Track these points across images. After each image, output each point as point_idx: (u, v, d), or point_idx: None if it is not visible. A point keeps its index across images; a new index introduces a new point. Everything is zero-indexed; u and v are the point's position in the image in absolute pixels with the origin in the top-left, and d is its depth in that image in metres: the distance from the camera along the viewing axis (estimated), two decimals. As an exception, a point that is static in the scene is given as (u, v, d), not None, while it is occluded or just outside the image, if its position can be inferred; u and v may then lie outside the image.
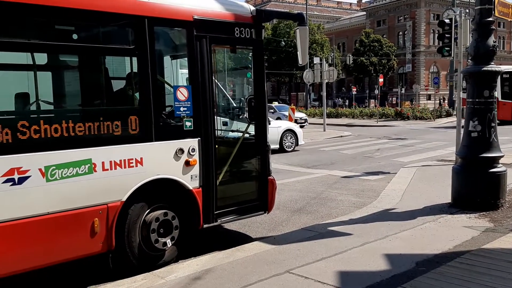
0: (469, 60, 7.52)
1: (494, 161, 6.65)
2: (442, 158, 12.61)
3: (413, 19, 64.65)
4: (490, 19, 6.71)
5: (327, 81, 20.89)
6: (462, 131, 7.55)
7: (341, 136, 22.03)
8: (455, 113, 16.08)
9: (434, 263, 4.59)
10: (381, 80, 34.04)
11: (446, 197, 7.20)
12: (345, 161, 13.36)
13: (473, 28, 7.04)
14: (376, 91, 39.71)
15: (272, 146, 6.22)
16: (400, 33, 66.74)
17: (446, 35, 11.21)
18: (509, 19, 10.66)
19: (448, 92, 41.87)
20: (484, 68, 6.59)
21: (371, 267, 4.59)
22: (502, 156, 6.77)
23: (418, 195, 7.96)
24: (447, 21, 11.22)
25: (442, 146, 15.69)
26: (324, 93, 21.76)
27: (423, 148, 16.00)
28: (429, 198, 7.53)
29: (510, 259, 4.60)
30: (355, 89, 49.83)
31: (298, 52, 5.85)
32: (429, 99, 58.45)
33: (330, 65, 32.91)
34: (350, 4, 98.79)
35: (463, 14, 11.17)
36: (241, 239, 6.14)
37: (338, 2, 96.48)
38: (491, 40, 6.71)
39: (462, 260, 4.65)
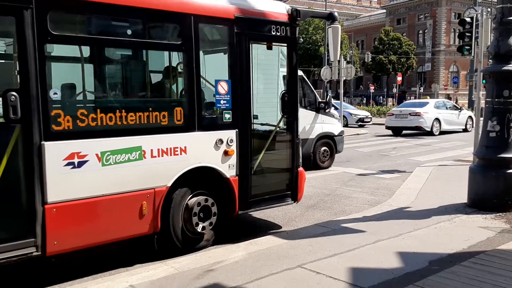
0: (489, 60, 7.41)
1: (512, 162, 6.56)
2: (459, 158, 12.46)
3: (433, 17, 63.75)
4: (512, 18, 6.60)
5: (344, 78, 20.82)
6: (480, 131, 7.46)
7: (358, 134, 21.90)
8: (474, 113, 15.85)
9: (448, 263, 4.56)
10: (399, 78, 33.75)
11: (462, 197, 7.12)
12: (360, 159, 13.32)
13: (494, 27, 6.94)
14: (394, 90, 39.34)
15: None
16: (420, 31, 65.90)
17: (467, 34, 11.05)
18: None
19: (467, 92, 41.24)
20: (505, 68, 6.49)
21: (384, 265, 4.58)
22: (521, 157, 6.65)
23: (433, 195, 7.89)
24: (468, 19, 11.06)
25: (459, 146, 15.50)
26: (341, 91, 21.65)
27: (440, 147, 15.83)
28: (445, 198, 7.46)
29: (525, 260, 4.55)
30: (373, 87, 49.43)
31: (329, 49, 6.19)
32: (448, 98, 57.69)
33: (348, 62, 32.69)
34: (370, 1, 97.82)
35: (484, 13, 10.99)
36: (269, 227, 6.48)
37: (358, 0, 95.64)
38: (513, 40, 6.60)
39: (477, 260, 4.60)
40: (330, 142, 11.56)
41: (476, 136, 10.34)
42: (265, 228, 6.41)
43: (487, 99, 6.75)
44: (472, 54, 11.26)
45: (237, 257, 4.86)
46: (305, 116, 10.54)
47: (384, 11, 74.08)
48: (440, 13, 63.11)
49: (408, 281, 4.12)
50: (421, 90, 52.52)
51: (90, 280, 4.56)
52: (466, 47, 11.15)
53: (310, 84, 11.38)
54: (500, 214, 6.34)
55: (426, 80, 63.01)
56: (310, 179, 10.01)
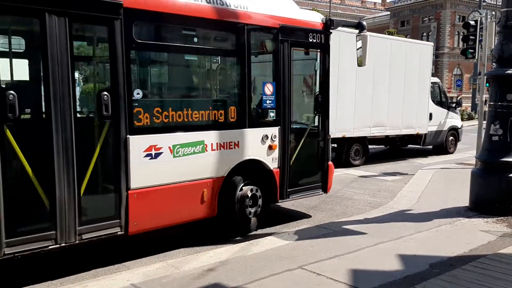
0: (493, 63, 7.40)
1: (515, 166, 6.55)
2: (462, 161, 12.45)
3: (438, 20, 63.61)
4: (517, 21, 6.59)
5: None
6: (483, 134, 7.45)
7: (360, 136, 21.88)
8: (477, 116, 15.79)
9: (448, 266, 4.56)
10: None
11: (464, 200, 7.11)
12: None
13: (498, 31, 6.93)
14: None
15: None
16: (424, 34, 65.73)
17: (471, 37, 11.05)
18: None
19: (471, 95, 41.14)
20: (508, 72, 6.48)
21: (384, 267, 4.58)
22: (523, 161, 6.65)
23: (435, 197, 7.89)
24: (472, 23, 11.06)
25: (462, 149, 15.47)
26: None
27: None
28: (447, 201, 7.45)
29: (526, 265, 4.55)
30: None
31: (358, 56, 6.68)
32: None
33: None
34: (375, 3, 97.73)
35: (489, 16, 10.98)
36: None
37: (362, 1, 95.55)
38: (517, 43, 6.59)
39: (477, 264, 4.60)
40: (455, 133, 15.09)
41: (479, 139, 10.33)
42: (267, 229, 6.41)
43: (490, 103, 6.74)
44: (476, 57, 11.24)
45: (238, 257, 4.87)
46: (441, 113, 14.27)
47: (388, 13, 73.95)
48: (445, 15, 62.97)
49: (408, 284, 4.13)
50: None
51: (91, 277, 4.58)
52: (470, 50, 11.14)
53: (443, 87, 14.96)
54: (502, 218, 6.34)
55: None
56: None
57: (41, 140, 4.26)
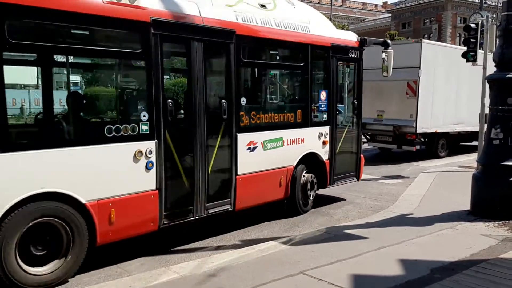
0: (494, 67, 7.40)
1: (516, 169, 6.55)
2: (463, 165, 12.45)
3: (439, 22, 63.65)
4: (517, 25, 6.60)
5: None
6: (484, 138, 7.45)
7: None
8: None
9: (450, 271, 4.57)
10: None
11: (465, 204, 7.11)
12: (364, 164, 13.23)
13: (499, 34, 6.93)
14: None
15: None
16: (426, 35, 65.70)
17: (472, 40, 11.04)
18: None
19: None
20: (509, 75, 6.49)
21: (386, 272, 4.59)
22: (524, 165, 6.64)
23: (436, 201, 7.89)
24: (473, 25, 11.06)
25: (463, 152, 15.45)
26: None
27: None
28: (448, 205, 7.45)
29: (527, 269, 4.55)
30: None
31: (384, 68, 8.28)
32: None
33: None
34: (376, 5, 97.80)
35: (490, 19, 10.99)
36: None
37: (363, 3, 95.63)
38: (517, 47, 6.60)
39: (478, 268, 4.61)
40: None
41: (480, 142, 10.33)
42: (267, 234, 6.43)
43: (491, 106, 6.75)
44: (477, 60, 11.24)
45: (240, 262, 4.89)
46: None
47: (390, 15, 74.02)
48: (446, 17, 63.01)
49: (409, 289, 4.14)
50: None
51: (94, 283, 4.59)
52: (471, 53, 11.13)
53: None
54: (503, 222, 6.34)
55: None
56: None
57: (186, 135, 5.56)
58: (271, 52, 7.39)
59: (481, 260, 4.86)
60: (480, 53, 11.10)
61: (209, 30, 5.72)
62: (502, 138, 6.54)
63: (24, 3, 4.10)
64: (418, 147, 13.38)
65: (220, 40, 5.91)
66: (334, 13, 63.14)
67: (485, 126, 8.32)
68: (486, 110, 9.40)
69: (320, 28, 7.55)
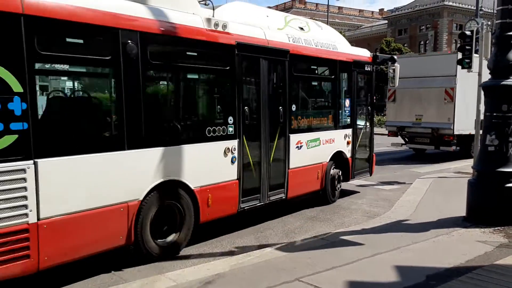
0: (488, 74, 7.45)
1: (511, 176, 6.57)
2: (459, 170, 12.49)
3: (435, 28, 63.98)
4: (511, 33, 6.64)
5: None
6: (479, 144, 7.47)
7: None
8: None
9: (445, 277, 4.58)
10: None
11: (461, 210, 7.13)
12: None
13: (493, 42, 6.99)
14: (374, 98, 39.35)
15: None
16: (422, 42, 66.06)
17: (467, 47, 11.10)
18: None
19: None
20: (503, 83, 6.54)
21: (381, 279, 4.60)
22: (519, 171, 6.67)
23: (432, 207, 7.91)
24: (468, 33, 11.12)
25: (459, 158, 15.49)
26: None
27: (440, 159, 15.83)
28: (444, 211, 7.48)
29: (522, 276, 4.56)
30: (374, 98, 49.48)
31: (391, 80, 9.91)
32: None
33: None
34: (372, 12, 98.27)
35: (485, 26, 11.06)
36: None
37: (360, 10, 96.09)
38: (511, 55, 6.65)
39: (474, 275, 4.62)
40: None
41: (476, 148, 10.37)
42: (264, 241, 6.43)
43: (486, 113, 6.79)
44: (472, 67, 11.30)
45: (236, 269, 4.88)
46: None
47: (386, 22, 74.33)
48: (442, 24, 63.35)
49: (405, 296, 4.14)
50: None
51: (89, 291, 4.58)
52: (466, 60, 11.19)
53: None
54: (499, 228, 6.36)
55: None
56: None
57: (255, 136, 6.83)
58: (311, 67, 8.70)
59: (476, 267, 4.87)
60: (476, 57, 11.18)
61: (272, 50, 7.13)
62: (497, 144, 6.57)
63: (164, 33, 5.44)
64: (454, 147, 14.79)
65: (278, 58, 7.28)
66: (331, 20, 63.40)
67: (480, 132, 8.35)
68: (482, 117, 9.43)
69: (343, 46, 9.17)
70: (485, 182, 6.72)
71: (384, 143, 18.47)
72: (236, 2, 7.44)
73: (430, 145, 15.16)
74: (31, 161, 4.21)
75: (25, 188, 4.17)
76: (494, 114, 6.62)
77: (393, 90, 15.79)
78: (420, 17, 66.62)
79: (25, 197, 4.19)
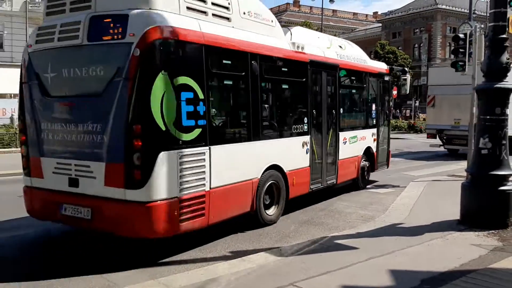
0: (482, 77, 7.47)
1: (504, 179, 6.58)
2: (453, 173, 12.50)
3: (429, 32, 64.28)
4: (504, 36, 6.67)
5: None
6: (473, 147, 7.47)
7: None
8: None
9: (439, 281, 4.56)
10: (394, 92, 33.78)
11: (455, 213, 7.12)
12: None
13: (486, 45, 7.01)
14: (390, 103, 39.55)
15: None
16: (416, 45, 66.35)
17: (460, 50, 11.13)
18: (524, 36, 10.55)
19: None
20: (497, 85, 6.55)
21: (375, 283, 4.58)
22: (512, 174, 6.69)
23: (426, 211, 7.91)
24: (461, 35, 11.16)
25: (453, 161, 15.54)
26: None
27: (434, 162, 15.89)
28: (438, 214, 7.47)
29: (517, 279, 4.55)
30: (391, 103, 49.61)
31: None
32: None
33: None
34: (366, 15, 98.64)
35: (478, 30, 11.10)
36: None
37: (354, 13, 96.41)
38: (505, 57, 6.67)
39: (468, 279, 4.60)
40: None
41: (469, 152, 10.39)
42: (258, 245, 6.39)
43: (480, 116, 6.80)
44: (466, 70, 11.33)
45: (230, 274, 4.85)
46: None
47: (380, 25, 74.64)
48: (435, 27, 63.67)
49: (399, 300, 4.11)
50: (417, 104, 52.78)
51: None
52: (460, 63, 11.22)
53: None
54: (493, 231, 6.35)
55: (422, 93, 63.31)
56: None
57: (318, 133, 8.78)
58: (351, 77, 10.39)
59: (471, 270, 4.86)
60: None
61: (329, 65, 9.10)
62: (490, 147, 6.57)
63: (271, 54, 7.42)
64: None
65: (332, 71, 9.21)
66: (325, 23, 63.53)
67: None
68: (475, 120, 9.45)
69: (368, 60, 11.35)
70: (479, 185, 6.72)
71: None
72: (298, 27, 9.70)
73: (467, 146, 15.58)
74: (207, 147, 5.90)
75: (204, 166, 5.85)
76: (488, 117, 6.62)
77: (432, 96, 18.03)
78: (414, 20, 66.92)
79: (204, 172, 5.85)
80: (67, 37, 5.79)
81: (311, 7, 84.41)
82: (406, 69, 12.74)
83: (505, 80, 6.62)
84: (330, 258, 5.37)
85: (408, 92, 11.85)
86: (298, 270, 4.94)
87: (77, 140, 5.66)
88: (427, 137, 18.90)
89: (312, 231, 7.10)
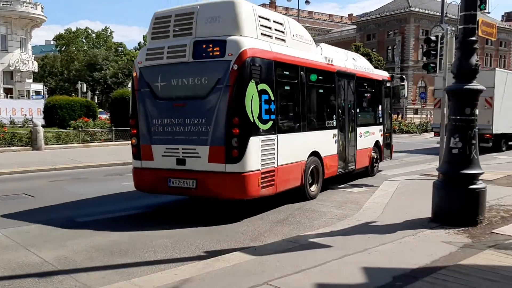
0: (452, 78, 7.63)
1: (474, 177, 6.74)
2: (426, 173, 12.75)
3: (402, 34, 65.45)
4: (474, 38, 6.82)
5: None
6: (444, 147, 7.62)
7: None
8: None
9: (411, 278, 4.63)
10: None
11: (427, 211, 7.25)
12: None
13: (456, 47, 7.16)
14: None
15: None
16: (390, 47, 67.46)
17: (432, 52, 11.38)
18: (493, 39, 10.87)
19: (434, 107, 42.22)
20: (466, 87, 6.69)
21: (349, 280, 4.62)
22: (482, 173, 6.86)
23: (399, 209, 8.03)
24: (433, 38, 11.40)
25: (426, 161, 15.86)
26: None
27: (407, 162, 16.17)
28: (410, 212, 7.59)
29: (485, 276, 4.66)
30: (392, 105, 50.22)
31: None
32: (416, 113, 59.06)
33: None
34: (342, 17, 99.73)
35: (449, 32, 11.35)
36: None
37: (329, 15, 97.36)
38: (474, 59, 6.82)
39: (438, 275, 4.69)
40: None
41: (441, 151, 10.60)
42: (233, 244, 6.38)
43: (450, 117, 6.93)
44: (437, 72, 11.58)
45: (204, 274, 4.81)
46: None
47: (355, 27, 75.61)
48: (409, 30, 64.86)
49: (372, 297, 4.16)
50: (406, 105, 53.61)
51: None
52: (431, 65, 11.47)
53: None
54: (463, 229, 6.50)
55: (395, 95, 64.27)
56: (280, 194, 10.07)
57: (342, 127, 10.91)
58: (364, 84, 12.41)
59: (441, 267, 4.95)
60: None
61: (349, 74, 11.36)
62: (461, 147, 6.72)
63: (313, 67, 9.66)
64: (490, 144, 19.35)
65: (351, 79, 11.43)
66: (301, 24, 63.88)
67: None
68: (446, 120, 9.65)
69: (374, 70, 13.81)
70: (450, 184, 6.86)
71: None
72: (323, 44, 11.30)
73: None
74: (276, 135, 8.10)
75: (274, 148, 8.05)
76: (458, 117, 6.76)
77: (438, 99, 19.09)
78: (388, 23, 68.00)
79: (274, 153, 8.05)
80: (175, 56, 7.87)
81: (287, 8, 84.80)
82: (403, 76, 15.90)
83: (474, 82, 6.78)
84: (304, 256, 5.40)
85: (406, 96, 14.30)
86: (273, 269, 4.94)
87: (185, 131, 7.73)
88: (434, 135, 21.90)
89: (287, 230, 7.13)
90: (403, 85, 14.54)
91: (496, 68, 17.63)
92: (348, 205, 8.94)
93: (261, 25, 8.16)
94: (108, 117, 27.36)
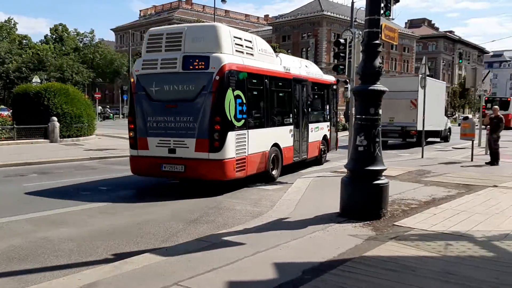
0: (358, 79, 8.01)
1: (378, 173, 7.13)
2: (336, 170, 13.27)
3: (315, 37, 67.89)
4: (377, 41, 7.21)
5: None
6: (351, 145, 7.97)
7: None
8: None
9: (319, 271, 4.77)
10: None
11: (336, 206, 7.53)
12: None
13: (362, 49, 7.51)
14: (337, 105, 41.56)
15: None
16: (304, 49, 69.64)
17: (341, 54, 11.91)
18: (395, 43, 11.60)
19: (345, 107, 44.27)
20: (370, 88, 7.05)
21: (260, 276, 4.66)
22: (385, 169, 7.28)
23: (310, 205, 8.27)
24: (342, 41, 11.94)
25: (337, 158, 16.50)
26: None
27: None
28: (321, 208, 7.85)
29: (387, 266, 4.93)
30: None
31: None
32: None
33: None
34: (258, 18, 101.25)
35: (357, 36, 11.95)
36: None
37: (246, 15, 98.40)
38: (377, 62, 7.21)
39: (344, 268, 4.89)
40: (448, 130, 27.31)
41: (349, 149, 11.10)
42: (143, 246, 6.17)
43: (356, 116, 7.27)
44: (346, 73, 12.14)
45: (110, 277, 4.60)
46: (446, 120, 26.74)
47: (271, 28, 77.10)
48: (321, 33, 67.44)
49: (281, 292, 4.22)
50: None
51: None
52: (341, 67, 12.02)
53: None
54: (368, 222, 6.84)
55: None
56: (195, 193, 9.95)
57: (298, 124, 13.25)
58: (314, 87, 14.61)
59: (347, 259, 5.17)
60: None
61: (303, 79, 13.35)
62: (366, 145, 7.07)
63: (274, 75, 11.90)
64: (414, 139, 21.99)
65: (304, 83, 13.47)
66: (213, 22, 63.76)
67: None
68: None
69: (323, 75, 15.83)
70: (356, 179, 7.21)
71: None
72: (282, 54, 13.92)
73: (399, 138, 22.92)
74: (247, 130, 10.22)
75: (245, 141, 10.16)
76: (363, 116, 7.11)
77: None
78: (302, 25, 70.15)
79: (245, 144, 10.17)
80: (167, 67, 9.85)
81: (203, 6, 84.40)
82: (347, 80, 16.84)
83: (378, 83, 7.16)
84: (217, 255, 5.36)
85: (349, 97, 15.13)
86: (184, 269, 4.85)
87: (175, 126, 9.69)
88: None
89: (201, 229, 7.05)
90: (347, 87, 17.01)
91: (419, 75, 19.47)
92: (262, 203, 9.05)
93: (235, 44, 10.24)
94: (10, 114, 25.36)
